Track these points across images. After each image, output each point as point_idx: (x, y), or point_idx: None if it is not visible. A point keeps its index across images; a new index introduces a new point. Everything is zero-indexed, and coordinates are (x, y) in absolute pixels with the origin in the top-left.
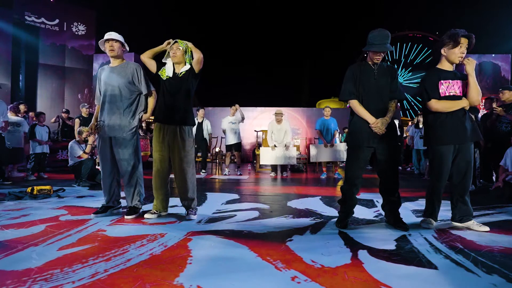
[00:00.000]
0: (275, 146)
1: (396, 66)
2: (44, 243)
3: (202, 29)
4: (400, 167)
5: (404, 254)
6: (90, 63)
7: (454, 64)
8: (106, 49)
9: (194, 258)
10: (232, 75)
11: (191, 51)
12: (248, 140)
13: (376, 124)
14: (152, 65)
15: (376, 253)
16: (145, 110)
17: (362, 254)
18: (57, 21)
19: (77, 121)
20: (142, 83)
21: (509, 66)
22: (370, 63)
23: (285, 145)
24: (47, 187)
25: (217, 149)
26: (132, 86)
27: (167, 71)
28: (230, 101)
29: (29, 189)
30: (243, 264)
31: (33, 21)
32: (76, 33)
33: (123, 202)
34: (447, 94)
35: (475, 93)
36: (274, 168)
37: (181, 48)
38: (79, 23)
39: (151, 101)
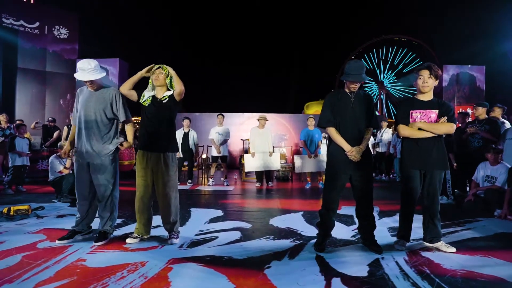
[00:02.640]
0: (254, 153)
1: (382, 67)
2: (19, 278)
3: (188, 33)
4: (383, 176)
5: (375, 282)
6: (73, 68)
7: (428, 94)
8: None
9: None
10: (220, 81)
11: (171, 78)
12: (235, 147)
13: (352, 152)
14: (133, 96)
15: (348, 281)
16: (124, 137)
17: (335, 283)
18: (37, 23)
19: (65, 129)
20: (120, 110)
21: (484, 77)
22: (347, 91)
23: (269, 152)
24: (25, 206)
25: (204, 156)
26: (110, 113)
27: (147, 98)
28: (217, 107)
29: (5, 210)
30: None
31: (11, 24)
32: (58, 36)
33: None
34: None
35: (441, 132)
36: (259, 177)
37: (163, 72)
38: (61, 27)
39: (130, 129)
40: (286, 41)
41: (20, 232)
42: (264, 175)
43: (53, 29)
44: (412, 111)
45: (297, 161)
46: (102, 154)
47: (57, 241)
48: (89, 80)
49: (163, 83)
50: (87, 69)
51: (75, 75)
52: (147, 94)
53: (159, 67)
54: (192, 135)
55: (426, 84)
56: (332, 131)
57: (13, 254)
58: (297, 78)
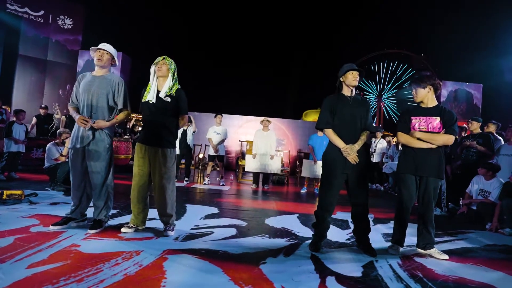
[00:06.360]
0: (255, 154)
1: (383, 80)
2: (12, 259)
3: (193, 30)
4: (379, 186)
5: (369, 282)
6: (75, 59)
7: (428, 101)
8: (95, 57)
9: (168, 281)
10: (220, 82)
11: (175, 69)
12: (232, 148)
13: (346, 149)
14: None
15: (343, 280)
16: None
17: (330, 281)
18: (42, 12)
19: (63, 119)
20: (120, 98)
21: (481, 95)
22: (345, 94)
23: (271, 156)
24: (18, 191)
25: (200, 155)
26: (111, 100)
27: (150, 94)
28: (216, 108)
29: None
30: None
31: (16, 10)
32: (62, 26)
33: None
34: (416, 129)
35: (438, 143)
36: (255, 179)
37: (167, 63)
38: (66, 17)
39: (121, 115)
40: (286, 46)
41: (13, 216)
42: (261, 178)
43: (58, 18)
44: (412, 117)
45: (305, 165)
46: (99, 140)
47: (51, 227)
48: (104, 50)
49: (165, 74)
50: (107, 45)
51: (92, 47)
52: (151, 90)
53: (163, 58)
54: (190, 132)
55: (414, 96)
56: (329, 132)
57: (5, 236)
58: (296, 85)
